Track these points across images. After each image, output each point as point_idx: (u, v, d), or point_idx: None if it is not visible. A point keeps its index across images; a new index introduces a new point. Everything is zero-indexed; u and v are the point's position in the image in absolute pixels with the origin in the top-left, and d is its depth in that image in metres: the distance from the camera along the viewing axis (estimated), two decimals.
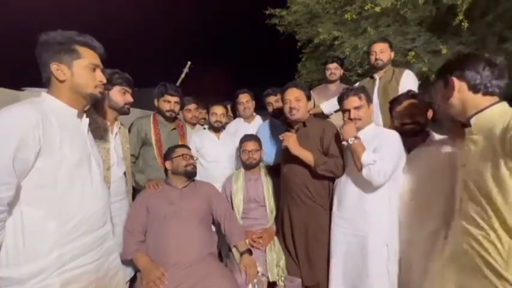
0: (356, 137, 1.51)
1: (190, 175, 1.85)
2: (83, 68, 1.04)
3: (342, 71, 2.82)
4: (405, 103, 1.55)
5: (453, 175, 1.18)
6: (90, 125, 1.17)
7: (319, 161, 1.66)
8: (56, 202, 0.97)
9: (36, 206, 0.94)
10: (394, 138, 1.53)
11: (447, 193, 1.26)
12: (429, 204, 1.39)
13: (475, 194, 0.97)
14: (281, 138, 1.77)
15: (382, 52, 2.25)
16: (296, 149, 1.70)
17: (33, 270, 0.93)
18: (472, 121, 1.02)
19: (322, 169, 1.66)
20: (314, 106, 2.51)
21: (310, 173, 1.73)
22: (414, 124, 1.51)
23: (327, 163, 1.66)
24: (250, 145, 2.05)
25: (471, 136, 1.02)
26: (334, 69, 2.75)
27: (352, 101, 1.61)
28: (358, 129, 1.64)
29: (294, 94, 1.78)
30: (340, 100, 1.68)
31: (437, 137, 1.50)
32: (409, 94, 1.58)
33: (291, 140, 1.71)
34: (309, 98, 1.85)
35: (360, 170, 1.47)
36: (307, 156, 1.69)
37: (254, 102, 2.58)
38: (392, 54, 2.28)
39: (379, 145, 1.51)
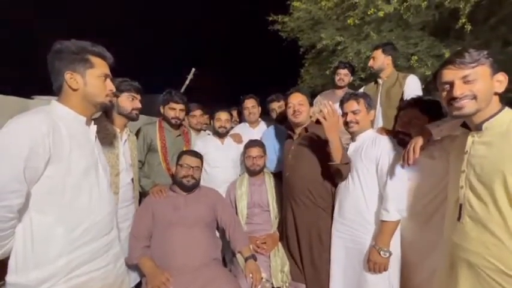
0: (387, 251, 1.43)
1: (185, 188, 1.82)
2: (95, 77, 1.07)
3: (351, 78, 2.81)
4: (405, 111, 1.51)
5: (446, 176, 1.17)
6: (100, 131, 1.20)
7: (344, 159, 1.57)
8: (64, 209, 0.98)
9: (45, 213, 0.96)
10: (393, 149, 1.49)
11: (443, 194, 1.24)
12: (429, 204, 1.38)
13: (484, 196, 0.96)
14: (321, 111, 1.56)
15: (373, 59, 2.32)
16: (332, 133, 1.54)
17: (41, 277, 0.94)
18: (487, 124, 1.00)
19: (340, 167, 1.57)
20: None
21: (312, 177, 1.74)
22: (406, 135, 1.45)
23: (347, 166, 1.60)
24: (255, 151, 2.06)
25: (482, 139, 1.00)
26: (343, 75, 2.73)
27: (350, 105, 1.64)
28: (355, 133, 1.66)
29: (297, 98, 1.85)
30: (341, 104, 1.71)
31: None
32: (413, 102, 1.52)
33: (331, 121, 1.53)
34: (310, 104, 1.90)
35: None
36: (337, 147, 1.55)
37: (260, 108, 2.61)
38: (389, 58, 2.29)
39: (383, 162, 1.48)
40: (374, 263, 1.44)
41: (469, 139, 1.03)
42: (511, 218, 0.90)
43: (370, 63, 2.34)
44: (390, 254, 1.42)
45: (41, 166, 0.92)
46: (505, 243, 0.90)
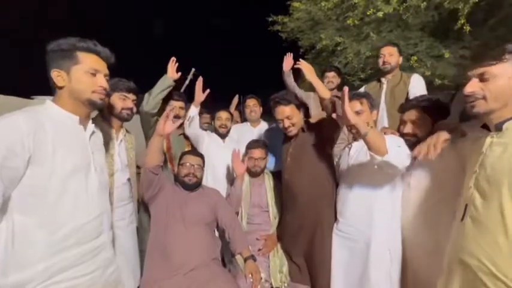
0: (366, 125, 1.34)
1: (187, 187, 1.84)
2: (82, 73, 1.03)
3: (339, 80, 2.82)
4: (409, 112, 1.47)
5: (459, 178, 1.14)
6: (96, 132, 1.18)
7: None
8: (46, 211, 0.94)
9: (26, 215, 0.92)
10: (398, 137, 1.49)
11: (454, 196, 1.21)
12: (439, 206, 1.37)
13: (489, 197, 0.93)
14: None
15: (390, 55, 2.26)
16: (312, 76, 1.69)
17: (18, 281, 0.89)
18: (507, 124, 0.94)
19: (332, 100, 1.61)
20: (310, 112, 2.50)
21: (312, 178, 1.74)
22: (412, 137, 1.42)
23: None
24: (257, 153, 2.05)
25: (500, 140, 0.95)
26: (331, 78, 2.77)
27: (353, 106, 1.61)
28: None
29: (284, 114, 1.76)
30: None
31: None
32: (416, 102, 1.49)
33: (305, 65, 1.70)
34: (298, 106, 1.81)
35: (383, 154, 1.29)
36: (320, 85, 1.71)
37: (261, 107, 2.65)
38: (401, 59, 2.28)
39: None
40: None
41: (488, 140, 0.99)
42: (511, 221, 0.88)
43: (387, 58, 2.25)
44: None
45: (20, 166, 0.88)
46: (501, 246, 0.89)
